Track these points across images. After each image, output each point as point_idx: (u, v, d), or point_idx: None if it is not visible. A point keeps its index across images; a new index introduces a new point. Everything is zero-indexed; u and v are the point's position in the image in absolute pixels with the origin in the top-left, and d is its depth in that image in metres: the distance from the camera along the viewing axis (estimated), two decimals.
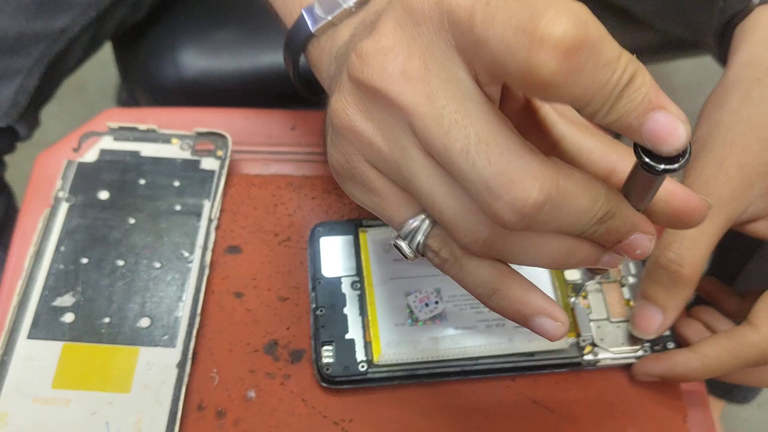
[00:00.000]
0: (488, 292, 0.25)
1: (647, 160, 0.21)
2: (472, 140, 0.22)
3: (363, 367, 0.34)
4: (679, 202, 0.25)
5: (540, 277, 0.37)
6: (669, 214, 0.25)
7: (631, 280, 0.38)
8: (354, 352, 0.35)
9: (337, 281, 0.36)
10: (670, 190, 0.25)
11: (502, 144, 0.22)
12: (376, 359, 0.34)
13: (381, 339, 0.35)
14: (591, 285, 0.37)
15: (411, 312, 0.36)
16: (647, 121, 0.20)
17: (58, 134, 0.42)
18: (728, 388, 0.77)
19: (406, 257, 0.26)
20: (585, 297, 0.37)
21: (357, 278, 0.36)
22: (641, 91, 0.20)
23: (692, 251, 0.33)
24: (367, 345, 0.35)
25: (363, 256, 0.37)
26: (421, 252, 0.26)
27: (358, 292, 0.36)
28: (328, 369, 0.34)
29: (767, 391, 0.87)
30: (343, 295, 0.36)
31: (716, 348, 0.34)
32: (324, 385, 0.34)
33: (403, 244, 0.26)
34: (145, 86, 0.60)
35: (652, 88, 0.20)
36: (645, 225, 0.24)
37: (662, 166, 0.21)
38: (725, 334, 0.34)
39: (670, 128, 0.20)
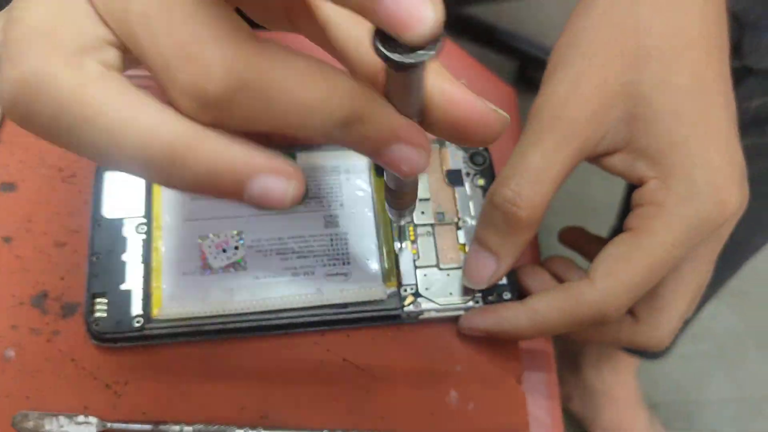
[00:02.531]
0: (167, 156, 0.17)
1: (382, 49, 0.17)
2: (154, 3, 0.17)
3: (138, 322, 0.29)
4: (459, 111, 0.20)
5: (361, 221, 0.32)
6: (449, 124, 0.21)
7: (469, 222, 0.33)
8: (129, 305, 0.30)
9: (119, 223, 0.31)
10: (447, 95, 0.20)
11: (189, 11, 0.17)
12: (155, 313, 0.29)
13: (163, 290, 0.30)
14: (421, 228, 0.33)
15: (205, 259, 0.31)
16: None
17: None
18: None
19: None
20: (414, 241, 0.32)
21: (144, 220, 0.31)
22: None
23: (533, 189, 0.28)
24: (147, 297, 0.30)
25: (154, 195, 0.32)
26: None
27: (144, 236, 0.31)
28: (97, 324, 0.29)
29: (690, 342, 0.83)
30: (124, 239, 0.31)
31: (548, 304, 0.29)
32: (95, 342, 0.30)
33: None
34: None
35: None
36: (409, 134, 0.19)
37: (397, 57, 0.16)
38: (561, 289, 0.29)
39: (412, 8, 0.15)
